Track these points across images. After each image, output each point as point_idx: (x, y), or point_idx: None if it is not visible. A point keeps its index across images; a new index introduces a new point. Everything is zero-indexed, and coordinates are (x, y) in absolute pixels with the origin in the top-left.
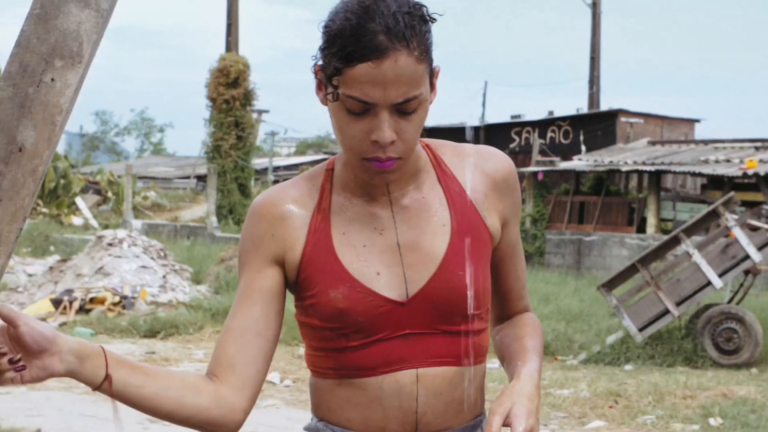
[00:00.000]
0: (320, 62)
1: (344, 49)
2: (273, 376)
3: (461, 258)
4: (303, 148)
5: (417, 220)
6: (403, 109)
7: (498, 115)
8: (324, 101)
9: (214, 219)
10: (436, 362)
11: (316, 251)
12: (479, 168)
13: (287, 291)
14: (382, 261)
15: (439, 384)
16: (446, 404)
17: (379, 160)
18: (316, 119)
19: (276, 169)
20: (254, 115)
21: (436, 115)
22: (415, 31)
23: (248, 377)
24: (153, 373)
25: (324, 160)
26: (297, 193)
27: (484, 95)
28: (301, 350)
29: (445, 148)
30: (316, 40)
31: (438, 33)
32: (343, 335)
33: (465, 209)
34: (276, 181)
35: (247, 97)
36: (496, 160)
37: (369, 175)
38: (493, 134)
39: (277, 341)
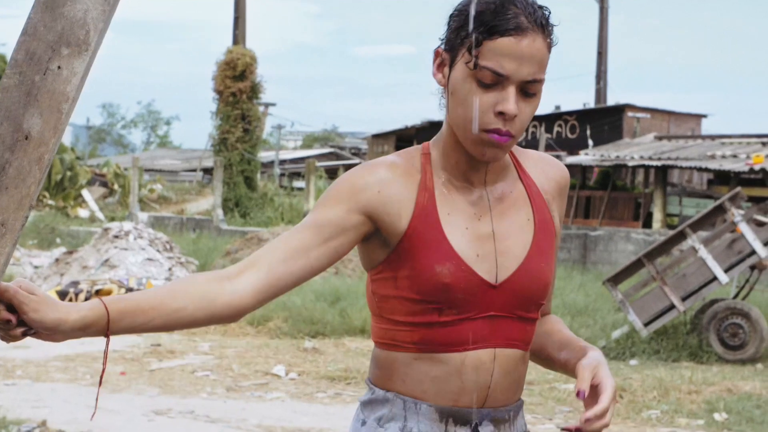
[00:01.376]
0: (444, 45)
1: (487, 23)
2: (278, 369)
3: (543, 251)
4: (309, 141)
5: (508, 212)
6: (528, 90)
7: None
8: (443, 81)
9: (220, 212)
10: (510, 344)
11: (423, 226)
12: (548, 172)
13: (366, 255)
14: (480, 245)
15: (510, 364)
16: (510, 383)
17: (499, 133)
18: (322, 113)
19: (282, 162)
20: (261, 108)
21: (442, 110)
22: (548, 22)
23: (272, 271)
24: (157, 306)
25: (331, 153)
26: (403, 167)
27: None
28: (307, 344)
29: (516, 150)
30: (326, 33)
31: (440, 25)
32: (437, 310)
33: (542, 207)
34: (282, 175)
35: (254, 90)
36: (559, 166)
37: (482, 150)
38: None
39: (313, 275)
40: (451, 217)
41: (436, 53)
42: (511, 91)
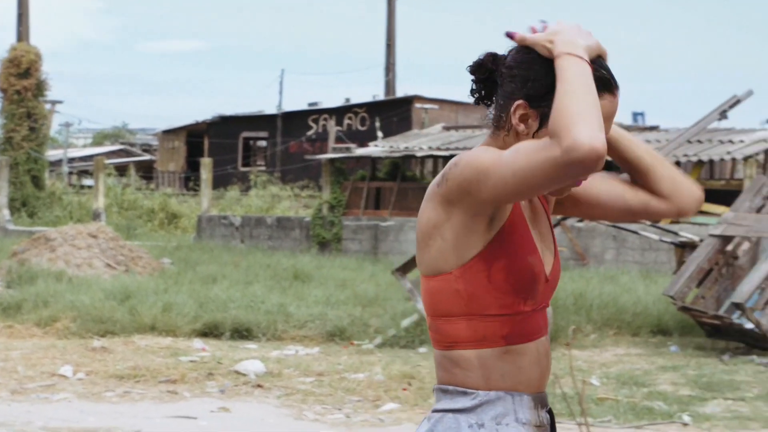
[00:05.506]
0: (531, 102)
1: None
2: (65, 369)
3: (557, 248)
4: (100, 138)
5: (539, 211)
6: None
7: (295, 103)
8: (525, 132)
9: (6, 212)
10: (546, 331)
11: (517, 218)
12: None
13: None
14: (542, 242)
15: (548, 349)
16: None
17: (581, 181)
18: (112, 110)
19: (71, 160)
20: (47, 106)
21: (233, 105)
22: None
23: None
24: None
25: (121, 150)
26: None
27: (281, 83)
28: (96, 343)
29: None
30: (112, 30)
31: (235, 22)
32: (522, 300)
33: (547, 207)
34: (71, 173)
35: (39, 88)
36: None
37: (560, 190)
38: (291, 122)
39: None
40: (528, 216)
41: (520, 106)
42: None
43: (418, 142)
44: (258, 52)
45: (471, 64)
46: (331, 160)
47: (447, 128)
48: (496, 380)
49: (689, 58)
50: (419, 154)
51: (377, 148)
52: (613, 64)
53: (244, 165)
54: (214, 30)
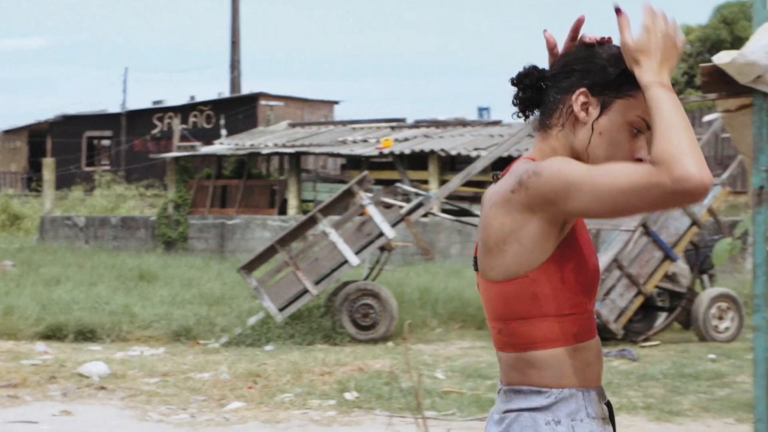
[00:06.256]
0: (593, 89)
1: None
2: None
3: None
4: None
5: None
6: None
7: (140, 101)
8: (586, 120)
9: None
10: None
11: (580, 222)
12: None
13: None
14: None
15: None
16: None
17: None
18: None
19: None
20: None
21: (77, 103)
22: None
23: None
24: None
25: None
26: None
27: (125, 81)
28: None
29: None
30: None
31: (79, 19)
32: (588, 298)
33: None
34: None
35: None
36: None
37: None
38: (135, 121)
39: None
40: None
41: (582, 94)
42: (646, 140)
43: (264, 139)
44: (102, 49)
45: (515, 74)
46: (176, 159)
47: (292, 125)
48: (569, 378)
49: (534, 52)
50: (265, 151)
51: (222, 146)
52: (459, 58)
53: (89, 165)
54: (58, 27)
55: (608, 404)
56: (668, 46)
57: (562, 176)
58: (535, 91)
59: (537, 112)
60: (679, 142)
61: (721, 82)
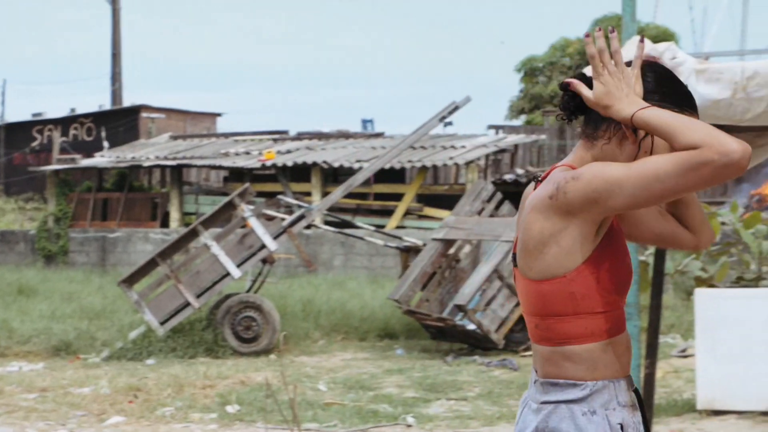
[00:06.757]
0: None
1: (691, 100)
2: None
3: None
4: None
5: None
6: None
7: (19, 113)
8: (640, 142)
9: None
10: None
11: (615, 225)
12: None
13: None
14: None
15: None
16: None
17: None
18: None
19: None
20: None
21: None
22: None
23: None
24: None
25: None
26: None
27: (3, 93)
28: None
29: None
30: None
31: None
32: (621, 296)
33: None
34: None
35: None
36: None
37: None
38: (14, 133)
39: None
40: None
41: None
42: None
43: (145, 152)
44: None
45: (563, 81)
46: (56, 172)
47: (174, 137)
48: (602, 370)
49: (417, 64)
50: (146, 164)
51: (103, 158)
52: (342, 71)
53: None
54: None
55: (636, 391)
56: (620, 78)
57: (604, 176)
58: (580, 99)
59: (581, 119)
60: (702, 128)
61: None
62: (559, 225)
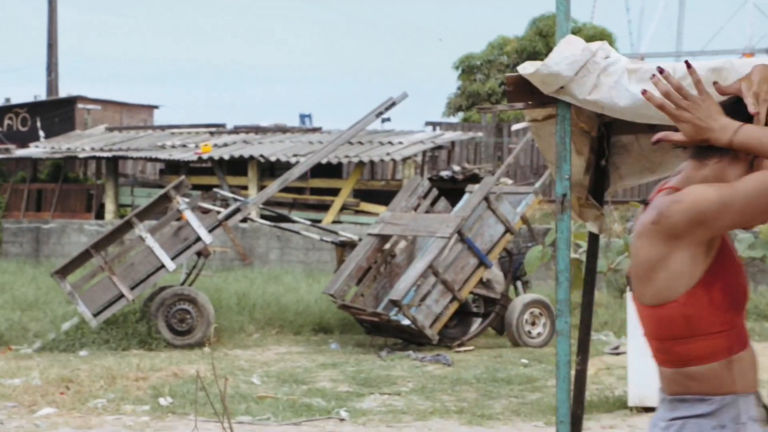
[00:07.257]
0: None
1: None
2: None
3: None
4: None
5: None
6: None
7: None
8: (748, 165)
9: None
10: None
11: (725, 243)
12: None
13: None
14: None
15: None
16: None
17: None
18: None
19: None
20: None
21: None
22: None
23: None
24: None
25: None
26: None
27: None
28: None
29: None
30: None
31: None
32: (737, 314)
33: None
34: None
35: None
36: None
37: None
38: None
39: None
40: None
41: None
42: None
43: (81, 143)
44: None
45: (655, 138)
46: None
47: (110, 129)
48: (728, 386)
49: (355, 60)
50: (82, 155)
51: (38, 149)
52: (280, 67)
53: None
54: None
55: (765, 407)
56: (697, 109)
57: (708, 197)
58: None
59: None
60: None
61: (527, 92)
62: (665, 250)
